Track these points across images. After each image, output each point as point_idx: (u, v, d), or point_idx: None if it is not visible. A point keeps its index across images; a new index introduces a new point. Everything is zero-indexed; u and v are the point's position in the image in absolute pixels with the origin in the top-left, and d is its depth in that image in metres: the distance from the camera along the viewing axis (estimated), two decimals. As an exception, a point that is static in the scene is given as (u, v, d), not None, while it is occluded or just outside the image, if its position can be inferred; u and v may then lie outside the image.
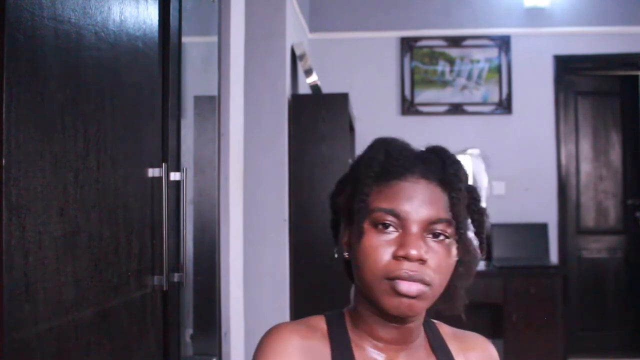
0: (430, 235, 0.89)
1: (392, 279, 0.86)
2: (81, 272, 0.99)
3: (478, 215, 0.96)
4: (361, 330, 0.94)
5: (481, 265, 4.35)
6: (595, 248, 4.82)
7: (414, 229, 0.88)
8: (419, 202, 0.89)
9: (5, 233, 0.78)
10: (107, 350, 1.09)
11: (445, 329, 1.02)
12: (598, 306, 4.77)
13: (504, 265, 4.27)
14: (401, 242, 0.87)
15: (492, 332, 4.21)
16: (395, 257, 0.87)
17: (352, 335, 0.94)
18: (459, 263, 0.94)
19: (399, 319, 0.90)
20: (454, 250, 0.91)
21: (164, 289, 1.35)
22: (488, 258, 4.50)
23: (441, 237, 0.89)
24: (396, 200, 0.89)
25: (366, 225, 0.90)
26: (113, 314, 1.11)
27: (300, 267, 3.04)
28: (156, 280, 1.33)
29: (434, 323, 1.01)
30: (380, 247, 0.88)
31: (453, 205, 0.90)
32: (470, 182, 0.96)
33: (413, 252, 0.86)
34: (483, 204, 0.97)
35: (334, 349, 0.92)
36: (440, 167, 0.92)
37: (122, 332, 1.16)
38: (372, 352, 0.93)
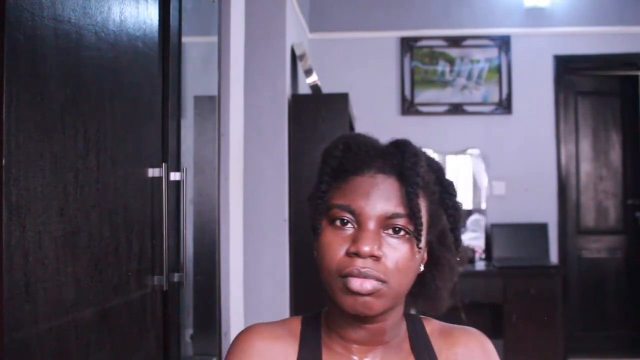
0: (390, 231, 0.86)
1: (344, 276, 0.84)
2: (81, 272, 0.99)
3: (453, 210, 0.93)
4: (332, 331, 0.92)
5: (481, 265, 4.35)
6: (595, 248, 4.82)
7: (370, 225, 0.85)
8: (375, 197, 0.86)
9: (5, 233, 0.78)
10: (107, 350, 1.09)
11: (433, 326, 0.98)
12: (598, 306, 4.77)
13: (504, 265, 4.27)
14: (354, 239, 0.85)
15: (492, 332, 4.20)
16: (348, 253, 0.85)
17: (325, 336, 0.93)
18: (436, 262, 0.92)
19: (363, 319, 0.88)
20: (415, 248, 0.87)
21: (164, 289, 1.35)
22: (487, 258, 4.50)
23: (402, 233, 0.86)
24: (352, 196, 0.87)
25: (324, 223, 0.89)
26: (113, 314, 1.11)
27: (300, 267, 3.04)
28: (156, 280, 1.33)
29: (420, 320, 0.98)
30: (335, 244, 0.86)
31: (409, 200, 0.86)
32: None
33: (364, 249, 0.83)
34: (460, 199, 0.95)
35: (302, 350, 0.92)
36: (399, 160, 0.88)
37: (122, 332, 1.16)
38: (342, 354, 0.92)
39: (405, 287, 0.88)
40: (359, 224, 0.86)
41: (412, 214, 0.86)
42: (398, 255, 0.85)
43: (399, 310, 0.92)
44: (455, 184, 0.95)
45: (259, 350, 0.91)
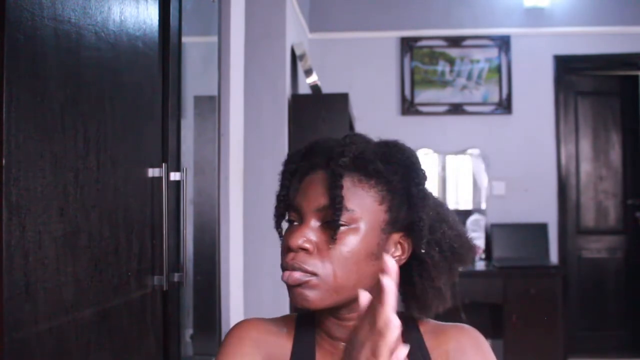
0: (332, 224, 0.86)
1: (283, 270, 0.87)
2: (81, 272, 0.99)
3: (417, 199, 0.90)
4: (321, 329, 0.93)
5: (481, 265, 4.35)
6: (595, 248, 4.82)
7: (308, 220, 0.88)
8: (312, 192, 0.88)
9: (5, 233, 0.78)
10: (107, 350, 1.09)
11: (427, 326, 0.97)
12: (598, 306, 4.77)
13: (504, 265, 4.27)
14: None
15: (492, 332, 4.21)
16: (285, 249, 0.88)
17: (317, 335, 0.94)
18: (417, 258, 0.91)
19: (335, 314, 0.89)
20: (375, 236, 0.87)
21: (164, 289, 1.35)
22: (487, 258, 4.51)
23: (342, 224, 0.86)
24: (298, 196, 0.90)
25: (285, 223, 0.93)
26: (113, 314, 1.11)
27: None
28: (156, 280, 1.33)
29: (414, 320, 0.97)
30: (284, 242, 0.90)
31: (329, 188, 0.86)
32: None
33: (290, 242, 0.86)
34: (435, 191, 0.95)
35: (295, 347, 0.93)
36: (340, 154, 0.88)
37: (122, 332, 1.16)
38: (334, 352, 0.92)
39: (350, 280, 0.86)
40: (302, 220, 0.89)
41: (333, 205, 0.85)
42: (337, 247, 0.85)
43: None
44: (424, 172, 0.92)
45: (255, 340, 0.93)
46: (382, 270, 0.67)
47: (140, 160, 1.27)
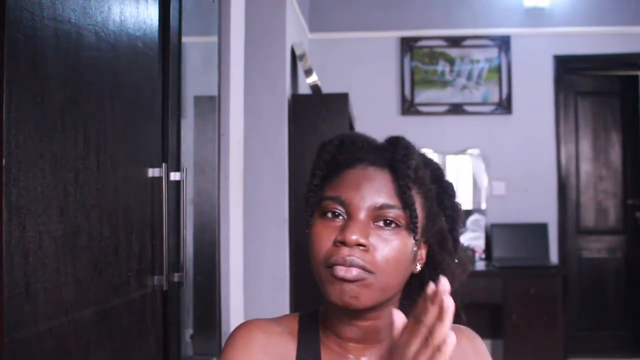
0: (381, 223, 0.86)
1: (331, 265, 0.84)
2: (81, 272, 0.99)
3: (451, 211, 0.92)
4: (328, 329, 0.92)
5: (481, 265, 4.35)
6: (595, 248, 4.82)
7: (360, 215, 0.85)
8: (366, 188, 0.86)
9: (5, 233, 0.78)
10: (107, 350, 1.09)
11: None
12: (598, 306, 4.77)
13: (504, 265, 4.27)
14: (343, 228, 0.85)
15: (492, 332, 4.21)
16: (335, 243, 0.85)
17: (322, 335, 0.92)
18: (435, 264, 0.91)
19: (355, 315, 0.88)
20: (411, 241, 0.87)
21: (164, 289, 1.35)
22: (487, 258, 4.51)
23: (393, 225, 0.86)
24: (343, 188, 0.88)
25: (316, 215, 0.90)
26: (113, 314, 1.11)
27: (300, 267, 3.04)
28: (156, 280, 1.33)
29: None
30: (324, 235, 0.86)
31: (401, 191, 0.86)
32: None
33: (351, 237, 0.83)
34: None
35: (300, 348, 0.91)
36: (391, 153, 0.89)
37: (122, 332, 1.16)
38: (340, 352, 0.91)
39: (394, 282, 0.86)
40: (349, 215, 0.86)
41: (406, 205, 0.85)
42: (388, 248, 0.85)
43: (394, 306, 0.91)
44: (454, 185, 0.94)
45: (260, 343, 0.90)
46: (437, 289, 0.71)
47: (140, 160, 1.27)
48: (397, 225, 0.86)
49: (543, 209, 4.58)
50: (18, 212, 0.82)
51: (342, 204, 0.87)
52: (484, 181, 4.66)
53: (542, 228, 4.53)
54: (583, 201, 4.83)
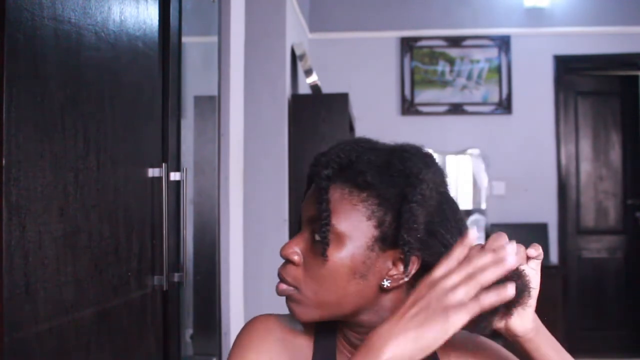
0: (317, 236, 0.80)
1: None
2: (81, 272, 0.99)
3: (409, 217, 0.78)
4: (341, 335, 0.90)
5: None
6: (595, 248, 4.82)
7: (305, 229, 0.84)
8: (309, 202, 0.84)
9: (5, 233, 0.78)
10: (107, 350, 1.09)
11: None
12: (598, 306, 4.77)
13: (504, 265, 4.26)
14: None
15: (491, 332, 4.20)
16: None
17: (337, 340, 0.90)
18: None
19: (351, 327, 0.86)
20: (336, 256, 0.80)
21: (164, 289, 1.35)
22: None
23: (317, 238, 0.80)
24: (303, 203, 0.87)
25: None
26: (113, 314, 1.11)
27: (300, 267, 3.04)
28: (156, 280, 1.33)
29: None
30: None
31: (316, 203, 0.80)
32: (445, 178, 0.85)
33: (281, 250, 0.83)
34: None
35: (316, 351, 0.89)
36: (325, 165, 0.83)
37: (122, 332, 1.16)
38: None
39: (330, 297, 0.81)
40: (300, 229, 0.86)
41: (319, 216, 0.79)
42: (316, 262, 0.81)
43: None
44: (427, 187, 0.80)
45: (277, 338, 0.89)
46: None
47: (140, 160, 1.27)
48: (329, 240, 0.80)
49: (543, 209, 4.58)
50: (18, 212, 0.82)
51: (300, 218, 0.87)
52: (484, 181, 4.66)
53: (542, 228, 4.53)
54: (583, 201, 4.83)
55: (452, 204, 0.85)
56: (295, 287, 0.83)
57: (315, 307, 0.82)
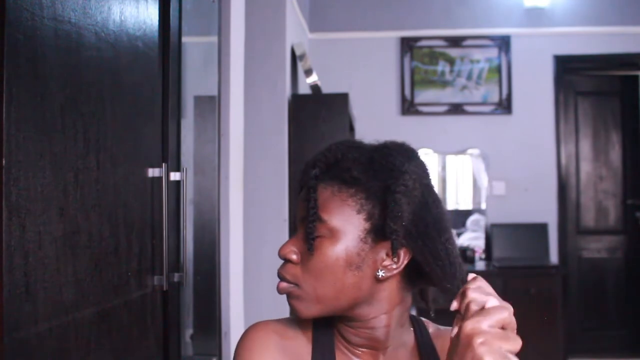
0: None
1: None
2: (81, 272, 0.99)
3: (394, 206, 0.82)
4: (340, 334, 0.92)
5: (481, 265, 4.35)
6: (595, 248, 4.82)
7: (299, 230, 0.89)
8: (300, 203, 0.89)
9: (5, 233, 0.78)
10: (107, 350, 1.09)
11: (431, 329, 0.97)
12: (598, 306, 4.77)
13: (504, 265, 4.27)
14: None
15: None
16: None
17: (335, 339, 0.93)
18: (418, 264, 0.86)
19: (349, 322, 0.89)
20: (330, 250, 0.84)
21: (164, 289, 1.35)
22: (488, 258, 4.50)
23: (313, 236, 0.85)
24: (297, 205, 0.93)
25: None
26: (113, 314, 1.11)
27: (300, 267, 3.04)
28: (156, 280, 1.33)
29: (423, 324, 0.97)
30: None
31: (304, 201, 0.87)
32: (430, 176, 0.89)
33: (279, 251, 0.88)
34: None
35: (315, 351, 0.91)
36: (312, 165, 0.89)
37: (122, 332, 1.16)
38: (352, 358, 0.91)
39: (327, 291, 0.85)
40: (296, 230, 0.91)
41: (308, 215, 0.84)
42: (311, 259, 0.86)
43: (389, 314, 0.88)
44: (410, 178, 0.84)
45: (276, 345, 0.90)
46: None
47: (140, 160, 1.27)
48: (320, 236, 0.85)
49: (543, 209, 4.58)
50: (18, 212, 0.82)
51: (296, 219, 0.92)
52: (484, 181, 4.66)
53: (542, 228, 4.53)
54: (583, 201, 4.83)
55: (435, 195, 0.89)
56: (295, 284, 0.87)
57: (315, 302, 0.86)
